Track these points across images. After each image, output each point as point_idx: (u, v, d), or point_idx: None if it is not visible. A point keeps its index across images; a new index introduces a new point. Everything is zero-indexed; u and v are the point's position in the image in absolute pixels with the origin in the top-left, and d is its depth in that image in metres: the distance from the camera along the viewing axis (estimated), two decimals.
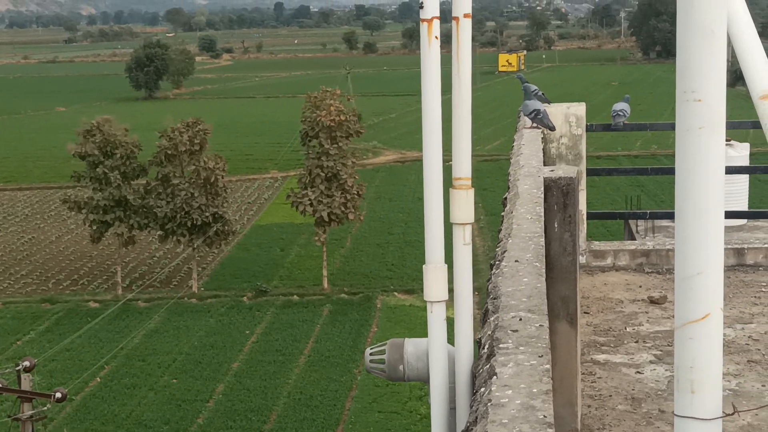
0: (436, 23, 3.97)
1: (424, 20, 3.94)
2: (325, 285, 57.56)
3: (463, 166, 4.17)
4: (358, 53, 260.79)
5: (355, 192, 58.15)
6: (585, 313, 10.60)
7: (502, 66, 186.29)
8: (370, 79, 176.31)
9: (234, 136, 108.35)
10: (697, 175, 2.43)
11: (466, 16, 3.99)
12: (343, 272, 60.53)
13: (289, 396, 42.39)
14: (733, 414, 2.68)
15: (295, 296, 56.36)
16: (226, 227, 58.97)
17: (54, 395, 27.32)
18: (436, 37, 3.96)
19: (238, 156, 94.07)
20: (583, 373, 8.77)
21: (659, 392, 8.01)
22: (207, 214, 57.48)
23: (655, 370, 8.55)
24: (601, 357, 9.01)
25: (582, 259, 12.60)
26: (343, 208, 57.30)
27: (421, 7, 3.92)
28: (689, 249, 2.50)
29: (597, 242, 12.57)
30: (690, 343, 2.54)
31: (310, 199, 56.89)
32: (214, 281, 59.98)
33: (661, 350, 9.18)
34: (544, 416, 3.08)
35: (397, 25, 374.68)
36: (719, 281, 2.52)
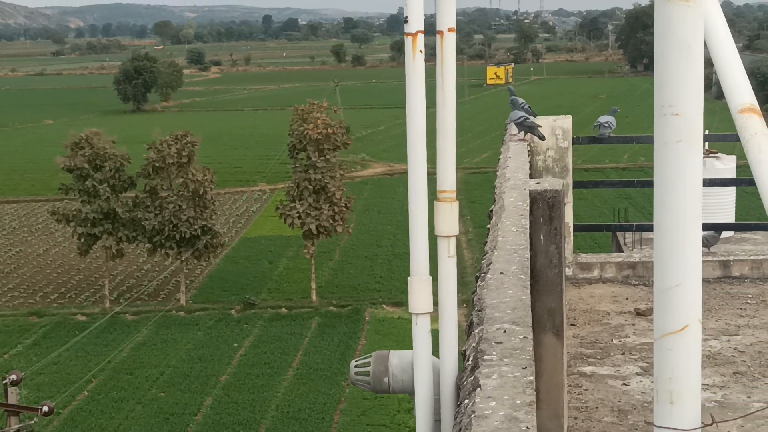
0: (421, 37, 4.01)
1: (408, 34, 3.97)
2: (314, 297, 57.52)
3: (448, 178, 4.20)
4: (347, 66, 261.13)
5: (344, 204, 58.18)
6: (572, 325, 10.63)
7: (490, 79, 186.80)
8: (359, 92, 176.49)
9: (222, 149, 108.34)
10: (674, 188, 2.45)
11: (450, 30, 4.02)
12: (332, 285, 60.50)
13: (278, 409, 42.31)
14: (711, 424, 2.70)
15: (283, 309, 56.30)
16: (215, 240, 58.90)
17: (41, 409, 27.23)
18: (421, 51, 4.00)
19: (227, 168, 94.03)
20: (569, 385, 8.79)
21: (645, 404, 8.04)
22: (195, 226, 57.38)
23: (641, 381, 8.57)
24: (587, 369, 9.04)
25: (569, 272, 12.64)
26: (331, 221, 57.31)
27: (406, 22, 3.96)
28: (667, 261, 2.52)
29: (584, 254, 12.61)
30: (669, 354, 2.56)
31: (298, 212, 56.87)
32: (202, 294, 59.87)
33: (647, 362, 9.21)
34: (527, 428, 3.10)
35: (386, 38, 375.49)
36: (697, 293, 2.54)
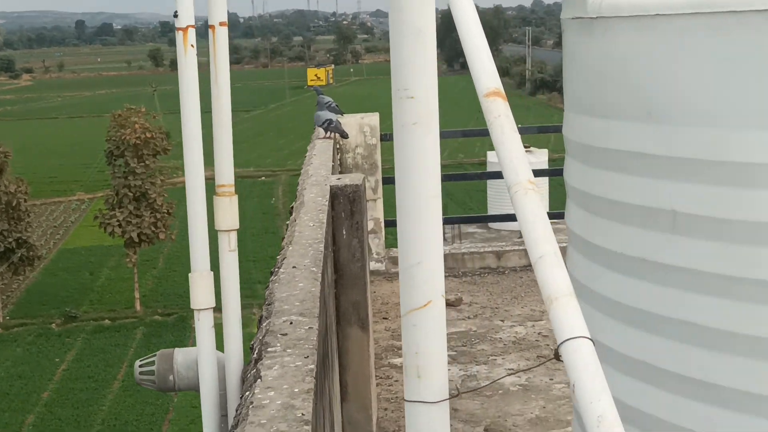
0: (192, 31, 4.01)
1: (179, 29, 3.96)
2: (138, 307, 56.36)
3: (225, 173, 4.21)
4: (165, 70, 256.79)
5: (165, 211, 57.24)
6: (383, 318, 10.80)
7: (311, 80, 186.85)
8: (178, 97, 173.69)
9: (37, 159, 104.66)
10: (413, 169, 2.53)
11: (221, 24, 4.03)
12: (156, 293, 59.41)
13: (104, 423, 41.31)
14: (457, 396, 2.81)
15: (106, 320, 54.95)
16: (31, 253, 56.97)
17: None
18: (192, 45, 4.00)
19: (42, 179, 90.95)
20: (380, 377, 8.93)
21: (452, 392, 8.23)
22: (10, 239, 55.39)
23: (449, 370, 8.77)
24: (398, 361, 9.19)
25: (381, 266, 12.85)
26: (153, 228, 56.28)
27: (176, 17, 3.94)
28: (409, 239, 2.60)
29: (396, 249, 12.82)
30: (414, 330, 2.64)
31: (118, 220, 55.61)
32: (20, 309, 57.82)
33: (455, 351, 9.44)
34: (302, 414, 3.13)
35: (204, 41, 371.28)
36: (439, 270, 2.63)
